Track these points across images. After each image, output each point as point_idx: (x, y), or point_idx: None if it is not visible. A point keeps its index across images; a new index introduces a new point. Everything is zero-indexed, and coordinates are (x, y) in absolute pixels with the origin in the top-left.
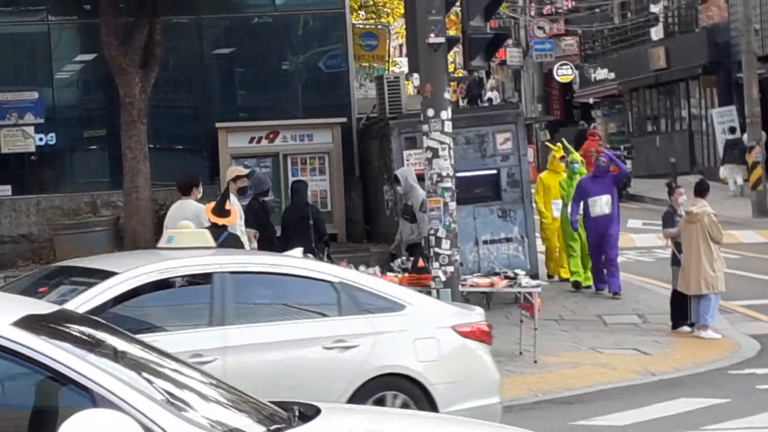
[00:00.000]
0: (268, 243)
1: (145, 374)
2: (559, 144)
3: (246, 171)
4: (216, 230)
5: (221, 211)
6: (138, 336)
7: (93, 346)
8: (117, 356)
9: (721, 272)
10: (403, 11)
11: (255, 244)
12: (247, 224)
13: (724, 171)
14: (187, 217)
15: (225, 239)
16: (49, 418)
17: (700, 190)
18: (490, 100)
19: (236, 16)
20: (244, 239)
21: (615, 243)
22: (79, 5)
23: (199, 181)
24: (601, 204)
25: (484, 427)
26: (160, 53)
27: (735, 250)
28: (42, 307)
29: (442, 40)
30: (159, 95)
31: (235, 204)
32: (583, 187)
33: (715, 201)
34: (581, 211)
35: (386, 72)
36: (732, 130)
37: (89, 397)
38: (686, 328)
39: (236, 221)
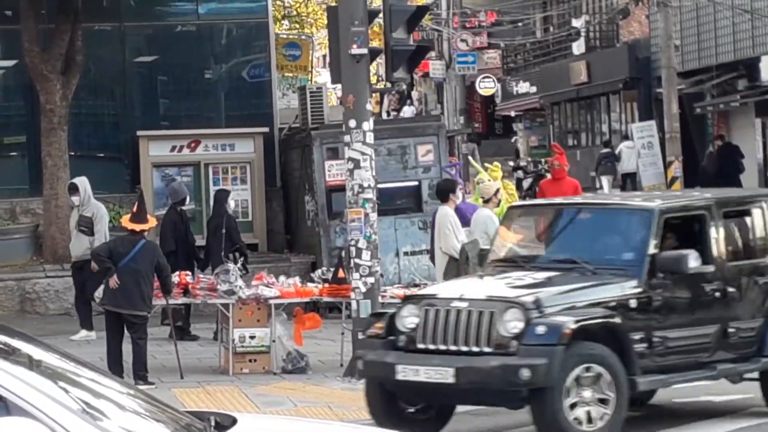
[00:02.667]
0: (187, 252)
1: (60, 383)
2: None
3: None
4: (132, 237)
5: (139, 218)
6: None
7: (7, 354)
8: (32, 364)
9: None
10: (326, 22)
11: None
12: (165, 234)
13: (600, 180)
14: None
15: (141, 247)
16: None
17: None
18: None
19: (159, 24)
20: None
21: None
22: (0, 11)
23: (455, 187)
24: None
25: None
26: (81, 60)
27: None
28: None
29: (364, 51)
30: (80, 102)
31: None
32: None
33: None
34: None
35: (309, 82)
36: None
37: (2, 405)
38: None
39: (152, 227)
